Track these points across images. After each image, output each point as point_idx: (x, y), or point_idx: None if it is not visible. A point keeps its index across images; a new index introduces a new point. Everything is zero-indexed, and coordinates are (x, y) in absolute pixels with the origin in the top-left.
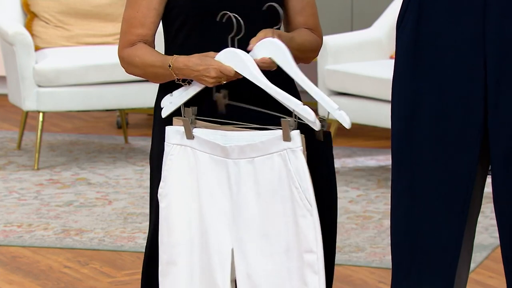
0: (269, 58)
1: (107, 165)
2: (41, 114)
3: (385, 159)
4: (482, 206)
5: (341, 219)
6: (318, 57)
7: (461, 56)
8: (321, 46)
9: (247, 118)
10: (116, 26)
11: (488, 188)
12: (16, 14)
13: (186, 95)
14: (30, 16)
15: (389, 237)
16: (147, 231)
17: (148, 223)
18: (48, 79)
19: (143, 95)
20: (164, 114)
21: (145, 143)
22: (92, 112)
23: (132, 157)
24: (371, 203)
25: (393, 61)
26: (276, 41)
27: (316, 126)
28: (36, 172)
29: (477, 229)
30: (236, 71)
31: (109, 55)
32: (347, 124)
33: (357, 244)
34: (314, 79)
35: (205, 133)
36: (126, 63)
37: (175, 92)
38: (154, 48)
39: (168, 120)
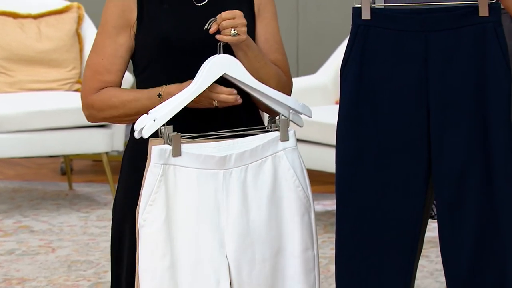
0: (234, 91)
1: (51, 212)
2: None
3: (331, 204)
4: (427, 250)
5: None
6: None
7: (404, 104)
8: (288, 86)
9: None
10: (60, 71)
11: (432, 233)
12: None
13: (173, 111)
14: None
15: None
16: (91, 278)
17: (92, 270)
18: None
19: (87, 141)
20: (147, 133)
21: (90, 189)
22: (35, 158)
23: (77, 203)
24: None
25: (338, 106)
26: (230, 57)
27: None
28: None
29: (422, 274)
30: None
31: (53, 100)
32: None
33: None
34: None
35: (196, 147)
36: (97, 109)
37: (152, 111)
38: None
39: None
